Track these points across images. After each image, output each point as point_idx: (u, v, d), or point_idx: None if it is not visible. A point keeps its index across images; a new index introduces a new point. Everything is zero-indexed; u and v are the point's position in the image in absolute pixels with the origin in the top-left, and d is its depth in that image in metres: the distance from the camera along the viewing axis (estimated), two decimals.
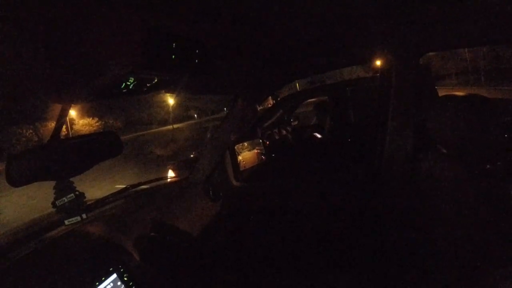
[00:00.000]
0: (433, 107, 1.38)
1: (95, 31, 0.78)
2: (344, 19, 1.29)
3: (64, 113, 1.26)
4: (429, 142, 1.46)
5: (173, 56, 0.95)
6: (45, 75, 0.89)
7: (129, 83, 1.00)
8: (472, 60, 29.11)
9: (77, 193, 1.41)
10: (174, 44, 0.94)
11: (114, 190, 2.00)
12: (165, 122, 47.77)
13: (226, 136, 2.34)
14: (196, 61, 1.06)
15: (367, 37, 1.65)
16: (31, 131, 36.06)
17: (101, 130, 42.20)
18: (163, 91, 1.32)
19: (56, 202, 1.38)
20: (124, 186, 2.07)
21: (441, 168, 1.37)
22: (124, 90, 1.04)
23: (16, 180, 1.18)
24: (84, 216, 1.44)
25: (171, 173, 4.12)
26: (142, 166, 13.88)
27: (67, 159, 1.29)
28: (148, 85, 1.09)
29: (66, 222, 1.42)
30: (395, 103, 1.84)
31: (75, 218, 1.42)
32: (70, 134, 38.49)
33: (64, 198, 1.38)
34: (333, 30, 1.43)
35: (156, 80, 1.07)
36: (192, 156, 5.65)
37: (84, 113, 41.19)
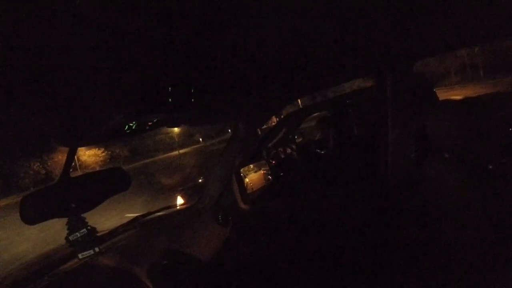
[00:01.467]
0: (432, 114, 1.39)
1: (98, 83, 0.83)
2: (338, 37, 1.32)
3: (72, 153, 1.32)
4: (432, 148, 1.47)
5: (170, 99, 0.99)
6: (53, 122, 0.93)
7: (131, 125, 1.05)
8: (469, 56, 29.03)
9: (89, 227, 1.45)
10: (170, 88, 0.99)
11: (124, 219, 2.02)
12: (170, 148, 47.81)
13: (230, 161, 2.36)
14: (193, 99, 1.10)
15: (361, 51, 1.68)
16: (38, 163, 36.26)
17: (108, 160, 42.44)
18: (165, 126, 1.36)
19: (69, 237, 1.41)
20: (133, 215, 2.09)
21: (445, 173, 1.38)
22: (128, 131, 1.08)
23: (31, 218, 1.23)
24: (97, 249, 1.46)
25: (180, 200, 4.13)
26: (151, 195, 13.87)
27: (77, 196, 1.34)
28: (149, 124, 1.14)
29: (80, 256, 1.45)
30: (393, 112, 1.86)
31: (88, 251, 1.45)
32: (78, 165, 38.65)
33: (77, 233, 1.42)
34: (327, 50, 1.46)
35: (156, 119, 1.12)
36: (200, 181, 5.66)
37: None
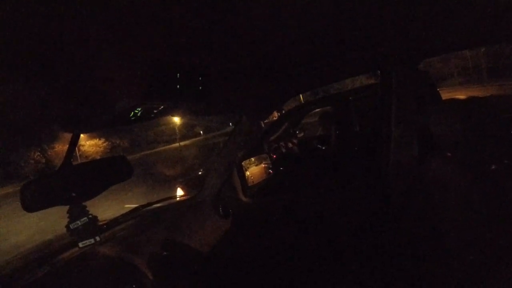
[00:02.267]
0: (435, 112, 1.39)
1: (104, 66, 0.82)
2: (343, 33, 1.31)
3: (74, 141, 1.31)
4: (434, 147, 1.47)
5: (178, 86, 0.98)
6: (57, 107, 0.93)
7: (137, 111, 1.04)
8: (473, 58, 28.96)
9: (90, 216, 1.44)
10: (178, 75, 0.98)
11: (123, 210, 2.03)
12: (171, 140, 47.79)
13: (232, 154, 2.36)
14: (200, 87, 1.09)
15: (366, 48, 1.68)
16: (38, 153, 36.28)
17: (108, 150, 42.51)
18: (170, 115, 1.35)
19: (70, 225, 1.41)
20: (133, 205, 2.10)
21: (447, 172, 1.38)
22: (132, 118, 1.08)
23: (31, 206, 1.22)
24: (97, 238, 1.46)
25: (180, 191, 4.13)
26: (151, 185, 13.88)
27: (79, 184, 1.34)
28: (155, 111, 1.13)
29: (80, 244, 1.45)
30: (397, 109, 1.86)
31: (89, 240, 1.45)
32: (78, 155, 38.70)
33: (78, 222, 1.41)
34: (332, 44, 1.46)
35: (162, 107, 1.11)
36: (200, 173, 5.66)
37: (91, 134, 41.35)
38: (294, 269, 2.19)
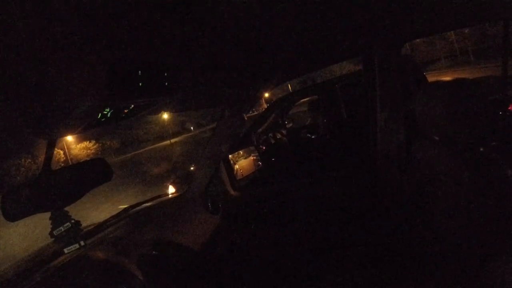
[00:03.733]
0: (421, 95, 1.38)
1: (60, 69, 0.79)
2: (323, 18, 1.29)
3: (50, 146, 1.29)
4: (421, 131, 1.46)
5: (141, 83, 0.95)
6: (24, 114, 0.90)
7: (105, 112, 1.02)
8: (459, 41, 29.25)
9: (73, 221, 1.42)
10: (140, 72, 0.95)
11: (117, 211, 2.00)
12: (161, 138, 47.67)
13: (217, 148, 2.34)
14: (167, 83, 1.06)
15: (346, 32, 1.66)
16: (29, 160, 35.97)
17: (99, 152, 42.35)
18: (145, 113, 1.32)
19: (54, 232, 1.39)
20: (127, 206, 2.08)
21: (435, 156, 1.37)
22: (102, 119, 1.05)
23: (12, 215, 1.21)
24: (82, 243, 1.44)
25: (172, 189, 4.11)
26: (144, 185, 13.86)
27: (59, 189, 1.32)
28: (125, 111, 1.10)
29: (66, 250, 1.43)
30: (382, 94, 1.85)
31: (74, 246, 1.43)
32: (69, 159, 38.48)
33: (61, 228, 1.39)
34: (312, 30, 1.44)
35: (132, 106, 1.08)
36: (191, 169, 5.64)
37: (81, 137, 41.13)
38: (285, 261, 2.19)
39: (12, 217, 1.20)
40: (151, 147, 43.79)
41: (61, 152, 38.77)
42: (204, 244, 2.09)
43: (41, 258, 1.58)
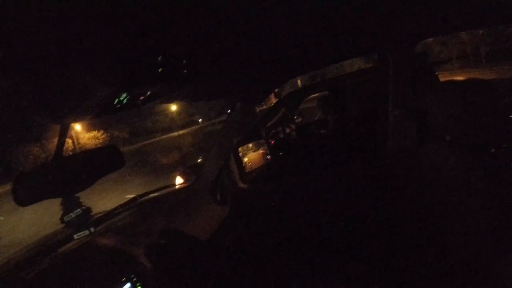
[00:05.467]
0: (433, 94, 1.37)
1: (80, 54, 0.79)
2: (338, 14, 1.28)
3: (63, 132, 1.29)
4: (432, 130, 1.45)
5: (160, 70, 0.95)
6: (38, 98, 0.91)
7: (122, 99, 1.02)
8: (472, 42, 28.88)
9: (83, 207, 1.43)
10: (159, 58, 0.95)
11: (124, 201, 2.02)
12: (169, 129, 47.70)
13: (228, 140, 2.34)
14: (185, 71, 1.06)
15: (363, 30, 1.65)
16: (38, 148, 36.20)
17: (107, 142, 42.57)
18: (159, 101, 1.33)
19: (64, 218, 1.40)
20: (134, 196, 2.09)
21: (446, 155, 1.36)
22: (118, 106, 1.05)
23: (23, 200, 1.21)
24: (92, 229, 1.45)
25: (179, 179, 4.13)
26: (151, 175, 13.92)
27: (71, 175, 1.33)
28: (141, 98, 1.11)
29: (75, 236, 1.44)
30: (394, 92, 1.84)
31: (84, 232, 1.44)
32: (77, 148, 38.70)
33: (71, 214, 1.40)
34: (327, 26, 1.43)
35: (149, 93, 1.08)
36: (199, 161, 5.66)
37: (90, 126, 41.34)
38: (292, 255, 2.19)
39: (23, 202, 1.21)
40: (159, 138, 43.90)
41: (70, 141, 38.95)
42: (212, 235, 2.10)
43: (50, 243, 1.60)
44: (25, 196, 1.21)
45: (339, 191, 2.18)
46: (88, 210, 1.44)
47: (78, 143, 40.35)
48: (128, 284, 1.40)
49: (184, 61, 1.05)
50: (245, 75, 1.74)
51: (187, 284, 1.71)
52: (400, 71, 1.82)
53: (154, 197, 2.18)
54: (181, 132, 41.89)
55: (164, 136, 44.15)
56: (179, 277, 1.69)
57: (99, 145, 41.45)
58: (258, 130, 3.60)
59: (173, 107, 44.12)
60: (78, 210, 1.40)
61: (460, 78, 1.36)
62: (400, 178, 1.83)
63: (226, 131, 2.32)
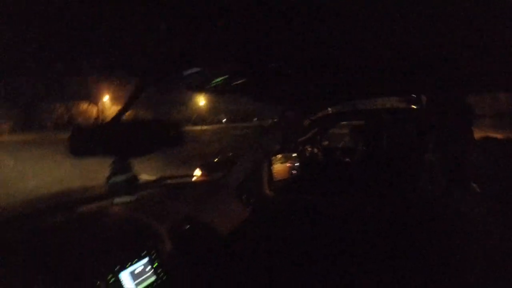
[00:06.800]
0: (474, 147, 1.39)
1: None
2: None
3: (137, 91, 1.33)
4: (464, 179, 1.46)
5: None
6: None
7: (218, 80, 1.05)
8: (508, 101, 27.94)
9: (131, 174, 1.46)
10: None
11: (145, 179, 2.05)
12: (192, 122, 47.38)
13: (268, 146, 2.38)
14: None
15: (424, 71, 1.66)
16: (63, 108, 36.37)
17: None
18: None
19: (110, 180, 1.44)
20: (150, 177, 2.12)
21: (474, 206, 1.38)
22: (213, 85, 1.08)
23: (79, 150, 1.25)
24: (134, 198, 1.48)
25: (198, 172, 4.19)
26: (163, 163, 13.93)
27: (129, 139, 1.31)
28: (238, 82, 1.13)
29: (116, 200, 1.48)
30: (436, 138, 1.85)
31: (125, 198, 1.47)
32: (100, 118, 38.76)
33: (118, 177, 1.44)
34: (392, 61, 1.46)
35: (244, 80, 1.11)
36: (215, 160, 5.70)
37: (116, 101, 41.39)
38: (309, 268, 2.19)
39: (77, 152, 1.24)
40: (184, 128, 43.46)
41: (94, 110, 38.97)
42: (233, 231, 2.13)
43: (76, 197, 1.63)
44: (81, 147, 1.23)
45: (360, 221, 2.19)
46: (134, 177, 1.48)
47: (103, 114, 40.54)
48: (147, 259, 1.41)
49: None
50: (309, 86, 1.77)
51: (200, 272, 1.74)
52: (448, 119, 1.84)
53: (183, 182, 2.23)
54: (204, 127, 41.70)
55: (186, 128, 44.01)
56: (195, 263, 1.71)
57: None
58: (296, 144, 3.62)
59: (202, 101, 43.89)
60: (126, 175, 1.44)
61: (500, 135, 1.39)
62: (426, 220, 1.83)
63: (270, 136, 2.35)
